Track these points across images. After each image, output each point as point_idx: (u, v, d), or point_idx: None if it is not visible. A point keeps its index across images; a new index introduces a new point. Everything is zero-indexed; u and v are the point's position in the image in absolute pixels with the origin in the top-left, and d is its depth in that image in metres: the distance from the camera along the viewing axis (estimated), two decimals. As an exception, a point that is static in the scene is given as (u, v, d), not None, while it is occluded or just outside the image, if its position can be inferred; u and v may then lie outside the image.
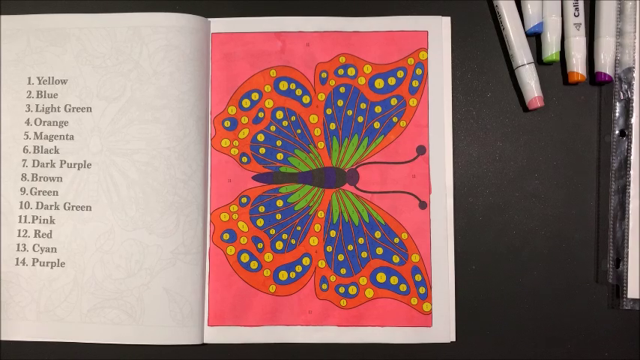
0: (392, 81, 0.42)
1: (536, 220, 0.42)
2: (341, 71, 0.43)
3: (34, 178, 0.42)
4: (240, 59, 0.43)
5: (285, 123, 0.42)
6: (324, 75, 0.43)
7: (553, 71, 0.43)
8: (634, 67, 0.41)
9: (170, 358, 0.41)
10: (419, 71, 0.42)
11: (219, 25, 0.43)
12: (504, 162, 0.43)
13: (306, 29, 0.43)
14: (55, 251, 0.41)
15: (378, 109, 0.42)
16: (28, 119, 0.42)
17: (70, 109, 0.42)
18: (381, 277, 0.41)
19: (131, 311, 0.40)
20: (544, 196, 0.42)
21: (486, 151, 0.43)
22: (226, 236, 0.42)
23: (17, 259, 0.41)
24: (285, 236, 0.42)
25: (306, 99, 0.43)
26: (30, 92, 0.42)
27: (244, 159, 0.42)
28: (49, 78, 0.42)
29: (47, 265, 0.41)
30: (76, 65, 0.42)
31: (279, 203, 0.42)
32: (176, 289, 0.40)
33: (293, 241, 0.42)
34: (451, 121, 0.42)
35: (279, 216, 0.42)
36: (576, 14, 0.41)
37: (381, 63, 0.43)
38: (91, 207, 0.41)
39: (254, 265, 0.42)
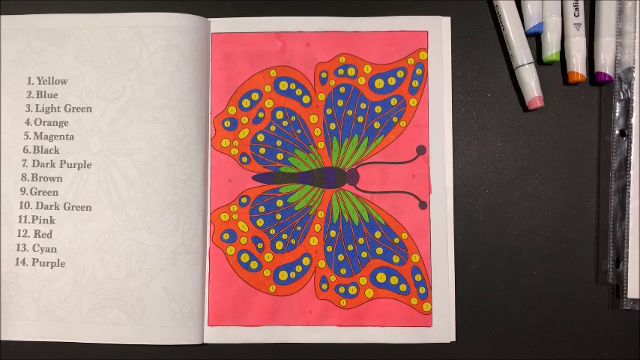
0: (392, 81, 0.42)
1: (536, 220, 0.42)
2: (341, 71, 0.43)
3: (34, 178, 0.42)
4: (240, 59, 0.43)
5: (285, 123, 0.42)
6: (324, 75, 0.43)
7: (553, 71, 0.43)
8: (634, 67, 0.41)
9: (170, 358, 0.41)
10: (419, 71, 0.42)
11: (219, 25, 0.43)
12: (504, 162, 0.43)
13: (306, 29, 0.43)
14: (55, 251, 0.41)
15: (378, 109, 0.42)
16: (28, 119, 0.42)
17: (70, 109, 0.42)
18: (381, 277, 0.41)
19: (131, 311, 0.40)
20: (544, 196, 0.42)
21: (486, 151, 0.43)
22: (226, 236, 0.42)
23: (17, 259, 0.41)
24: (285, 236, 0.42)
25: (306, 99, 0.43)
26: (30, 92, 0.42)
27: (244, 159, 0.42)
28: (49, 78, 0.42)
29: (47, 265, 0.41)
30: (76, 65, 0.42)
31: (279, 203, 0.42)
32: (176, 289, 0.40)
33: (293, 241, 0.42)
34: (451, 121, 0.42)
35: (279, 216, 0.42)
36: (576, 14, 0.41)
37: (381, 63, 0.43)
38: (91, 207, 0.41)
39: (254, 265, 0.42)
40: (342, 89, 0.43)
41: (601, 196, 0.42)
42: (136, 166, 0.41)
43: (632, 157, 0.41)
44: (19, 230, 0.42)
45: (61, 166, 0.42)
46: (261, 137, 0.42)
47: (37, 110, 0.42)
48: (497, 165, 0.43)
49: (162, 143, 0.41)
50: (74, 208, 0.41)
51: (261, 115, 0.43)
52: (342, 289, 0.41)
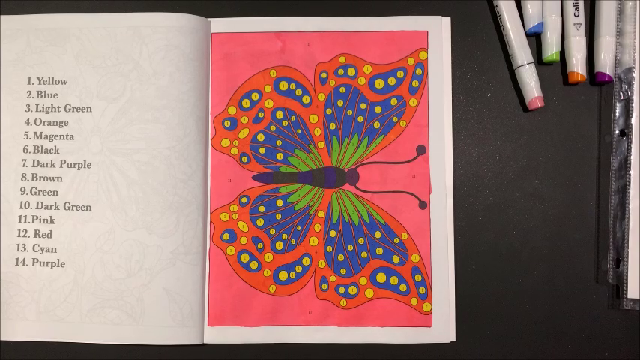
0: (392, 81, 0.42)
1: (536, 220, 0.42)
2: (341, 71, 0.43)
3: (34, 178, 0.42)
4: (240, 59, 0.43)
5: (285, 123, 0.42)
6: (324, 75, 0.43)
7: (553, 71, 0.43)
8: (634, 67, 0.41)
9: (170, 358, 0.41)
10: (419, 71, 0.42)
11: (219, 25, 0.43)
12: (504, 162, 0.43)
13: (306, 29, 0.43)
14: (55, 251, 0.41)
15: (378, 109, 0.42)
16: (28, 119, 0.42)
17: (70, 109, 0.42)
18: (381, 277, 0.41)
19: (131, 311, 0.40)
20: (544, 196, 0.42)
21: (486, 151, 0.43)
22: (226, 236, 0.42)
23: (17, 259, 0.41)
24: (285, 236, 0.42)
25: (306, 99, 0.43)
26: (30, 92, 0.42)
27: (244, 159, 0.42)
28: (49, 78, 0.42)
29: (47, 265, 0.41)
30: (76, 65, 0.42)
31: (279, 203, 0.42)
32: (176, 289, 0.40)
33: (293, 241, 0.42)
34: (451, 121, 0.42)
35: (279, 216, 0.42)
36: (576, 14, 0.41)
37: (381, 63, 0.43)
38: (91, 207, 0.41)
39: (254, 265, 0.42)
40: (342, 89, 0.43)
41: (601, 196, 0.42)
42: (136, 166, 0.41)
43: (632, 157, 0.41)
44: (19, 230, 0.42)
45: (61, 166, 0.42)
46: (261, 137, 0.42)
47: (37, 110, 0.42)
48: (497, 165, 0.43)
49: (163, 143, 0.41)
50: (74, 208, 0.41)
51: (261, 115, 0.43)
52: (342, 289, 0.41)
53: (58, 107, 0.42)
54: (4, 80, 0.42)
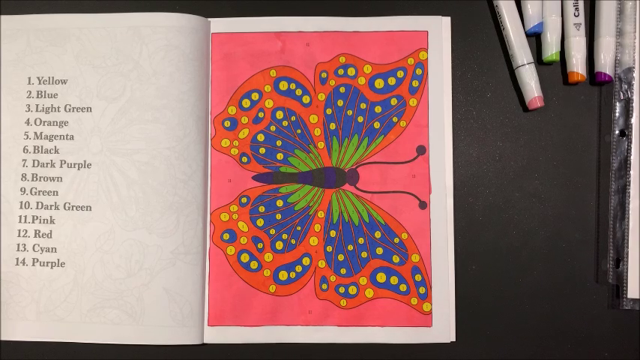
0: (392, 81, 0.42)
1: (536, 220, 0.42)
2: (341, 71, 0.43)
3: (34, 178, 0.42)
4: (240, 59, 0.43)
5: (285, 123, 0.42)
6: (324, 75, 0.43)
7: (553, 71, 0.43)
8: (634, 67, 0.41)
9: (170, 358, 0.41)
10: (419, 71, 0.42)
11: (219, 25, 0.43)
12: (504, 162, 0.43)
13: (306, 29, 0.43)
14: (55, 251, 0.41)
15: (378, 109, 0.42)
16: (28, 119, 0.42)
17: (70, 109, 0.42)
18: (381, 277, 0.41)
19: (131, 311, 0.40)
20: (544, 196, 0.42)
21: (486, 151, 0.43)
22: (226, 236, 0.42)
23: (17, 259, 0.41)
24: (285, 236, 0.42)
25: (306, 99, 0.43)
26: (30, 92, 0.42)
27: (244, 159, 0.42)
28: (49, 78, 0.42)
29: (47, 265, 0.41)
30: (76, 65, 0.42)
31: (279, 203, 0.42)
32: (176, 289, 0.40)
33: (293, 241, 0.42)
34: (451, 121, 0.42)
35: (279, 216, 0.42)
36: (576, 14, 0.41)
37: (381, 63, 0.43)
38: (91, 207, 0.41)
39: (254, 265, 0.42)
40: (342, 89, 0.43)
41: (601, 196, 0.42)
42: (136, 166, 0.41)
43: (632, 157, 0.41)
44: (19, 230, 0.42)
45: (61, 166, 0.42)
46: (261, 137, 0.42)
47: (37, 110, 0.42)
48: (497, 165, 0.43)
49: (163, 143, 0.41)
50: (74, 208, 0.41)
51: (261, 115, 0.43)
52: (342, 289, 0.41)
53: (58, 107, 0.42)
54: (4, 80, 0.42)
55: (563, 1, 0.42)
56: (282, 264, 0.42)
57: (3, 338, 0.41)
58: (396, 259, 0.42)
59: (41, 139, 0.42)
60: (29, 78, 0.42)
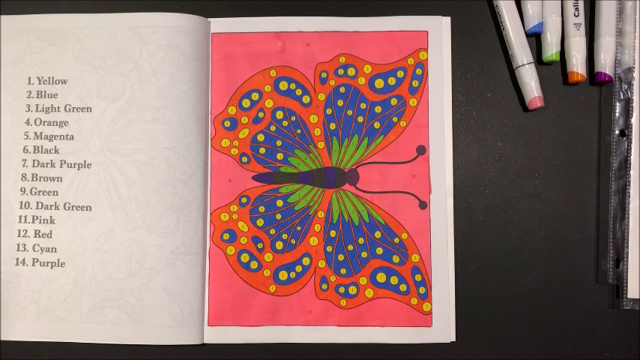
0: (392, 81, 0.43)
1: (536, 220, 0.42)
2: (341, 71, 0.43)
3: (34, 178, 0.42)
4: (240, 59, 0.43)
5: (285, 123, 0.42)
6: (324, 75, 0.43)
7: (553, 71, 0.43)
8: (634, 67, 0.41)
9: (170, 358, 0.41)
10: (419, 71, 0.42)
11: (219, 25, 0.43)
12: (504, 162, 0.43)
13: (306, 29, 0.43)
14: (55, 251, 0.41)
15: (378, 109, 0.42)
16: (28, 119, 0.42)
17: (70, 109, 0.42)
18: (381, 277, 0.41)
19: (131, 311, 0.40)
20: (544, 196, 0.42)
21: (486, 151, 0.43)
22: (226, 236, 0.42)
23: (17, 259, 0.41)
24: (285, 236, 0.42)
25: (306, 99, 0.43)
26: (30, 92, 0.42)
27: (244, 159, 0.42)
28: (49, 78, 0.42)
29: (47, 265, 0.41)
30: (76, 65, 0.42)
31: (279, 203, 0.42)
32: (176, 289, 0.40)
33: (293, 241, 0.42)
34: (451, 121, 0.42)
35: (279, 216, 0.42)
36: (576, 14, 0.41)
37: (381, 63, 0.43)
38: (91, 207, 0.41)
39: (254, 265, 0.42)
40: (342, 89, 0.43)
41: (601, 196, 0.42)
42: (136, 166, 0.41)
43: (632, 157, 0.41)
44: (19, 230, 0.42)
45: (61, 166, 0.42)
46: (261, 137, 0.42)
47: (37, 110, 0.42)
48: (497, 165, 0.43)
49: (163, 143, 0.41)
50: (74, 208, 0.41)
51: (261, 115, 0.43)
52: (342, 289, 0.41)
53: (58, 107, 0.42)
54: (4, 80, 0.42)
55: (563, 1, 0.42)
56: (282, 264, 0.42)
57: (3, 338, 0.41)
58: (396, 259, 0.42)
59: (41, 139, 0.42)
60: (29, 78, 0.42)
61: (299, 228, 0.42)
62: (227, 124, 0.42)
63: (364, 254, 0.42)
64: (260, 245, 0.42)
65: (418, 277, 0.41)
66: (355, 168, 0.42)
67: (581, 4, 0.41)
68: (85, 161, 0.42)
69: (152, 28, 0.42)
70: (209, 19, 0.43)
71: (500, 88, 0.43)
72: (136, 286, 0.41)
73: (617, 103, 0.41)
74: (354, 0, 0.43)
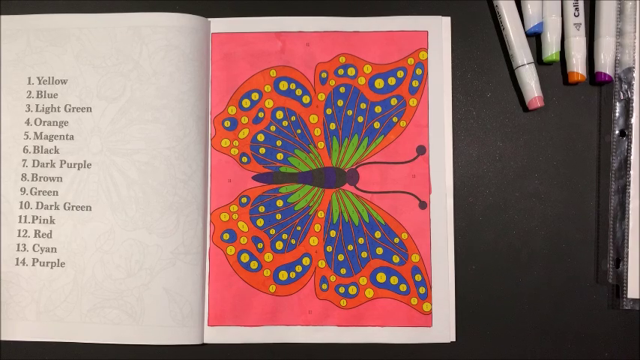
0: (392, 81, 0.43)
1: (536, 220, 0.42)
2: (341, 71, 0.43)
3: (34, 178, 0.42)
4: (240, 59, 0.43)
5: (285, 123, 0.42)
6: (324, 75, 0.43)
7: (553, 71, 0.43)
8: (634, 67, 0.41)
9: (170, 358, 0.41)
10: (419, 71, 0.42)
11: (219, 25, 0.43)
12: (504, 162, 0.43)
13: (306, 29, 0.43)
14: (55, 251, 0.41)
15: (378, 109, 0.42)
16: (28, 119, 0.42)
17: (70, 109, 0.42)
18: (381, 277, 0.41)
19: (131, 311, 0.40)
20: (544, 196, 0.42)
21: (486, 151, 0.43)
22: (226, 236, 0.42)
23: (17, 259, 0.41)
24: (285, 236, 0.42)
25: (306, 99, 0.43)
26: (30, 92, 0.42)
27: (244, 159, 0.42)
28: (49, 78, 0.42)
29: (47, 265, 0.41)
30: (76, 65, 0.42)
31: (279, 203, 0.42)
32: (176, 289, 0.40)
33: (293, 241, 0.42)
34: (451, 121, 0.42)
35: (279, 216, 0.42)
36: (576, 14, 0.41)
37: (381, 63, 0.43)
38: (91, 207, 0.41)
39: (254, 265, 0.42)
40: (342, 89, 0.43)
41: (601, 196, 0.42)
42: (136, 166, 0.41)
43: (632, 157, 0.41)
44: (19, 230, 0.42)
45: (61, 166, 0.42)
46: (261, 137, 0.42)
47: (37, 110, 0.42)
48: (497, 165, 0.43)
49: (163, 143, 0.41)
50: (74, 208, 0.41)
51: (261, 115, 0.43)
52: (342, 289, 0.42)
53: (58, 107, 0.42)
54: (4, 80, 0.42)
55: (563, 1, 0.42)
56: (282, 264, 0.42)
57: (3, 338, 0.41)
58: (396, 259, 0.42)
59: (41, 139, 0.42)
60: (29, 78, 0.42)
61: (299, 228, 0.42)
62: (227, 124, 0.42)
63: (364, 254, 0.42)
64: (260, 245, 0.42)
65: (418, 277, 0.41)
66: (355, 168, 0.42)
67: (581, 4, 0.41)
68: (85, 161, 0.42)
69: (152, 28, 0.42)
70: (209, 19, 0.43)
71: (500, 88, 0.43)
72: (136, 286, 0.41)
73: (617, 103, 0.41)
74: (354, 0, 0.43)
